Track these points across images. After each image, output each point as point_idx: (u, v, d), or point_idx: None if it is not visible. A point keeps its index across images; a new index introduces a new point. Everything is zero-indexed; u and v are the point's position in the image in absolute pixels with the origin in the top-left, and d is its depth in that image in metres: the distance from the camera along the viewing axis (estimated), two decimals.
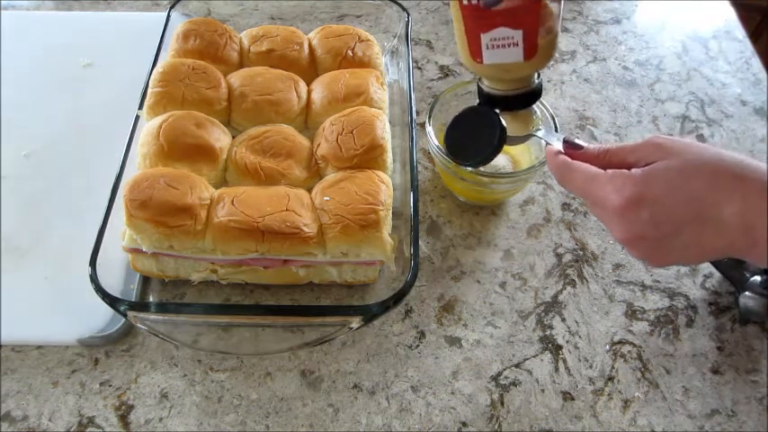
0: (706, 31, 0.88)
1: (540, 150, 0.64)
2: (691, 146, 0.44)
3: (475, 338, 0.57)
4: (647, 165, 0.44)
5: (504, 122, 0.52)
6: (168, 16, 0.72)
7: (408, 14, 0.73)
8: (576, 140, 0.50)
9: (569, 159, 0.48)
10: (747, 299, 0.58)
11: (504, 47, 0.48)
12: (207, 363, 0.55)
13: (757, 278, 0.58)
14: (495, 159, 0.54)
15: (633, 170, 0.44)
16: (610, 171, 0.46)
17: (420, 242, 0.54)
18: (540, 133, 0.53)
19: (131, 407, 0.53)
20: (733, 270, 0.61)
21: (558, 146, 0.50)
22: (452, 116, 0.62)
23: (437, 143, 0.61)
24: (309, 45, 0.70)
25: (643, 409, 0.54)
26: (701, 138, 0.75)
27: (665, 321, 0.59)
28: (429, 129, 0.62)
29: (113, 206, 0.54)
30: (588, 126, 0.76)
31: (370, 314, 0.50)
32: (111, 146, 0.59)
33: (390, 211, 0.56)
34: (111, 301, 0.49)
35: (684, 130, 0.76)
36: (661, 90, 0.80)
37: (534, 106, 0.55)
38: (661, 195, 0.43)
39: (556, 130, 0.60)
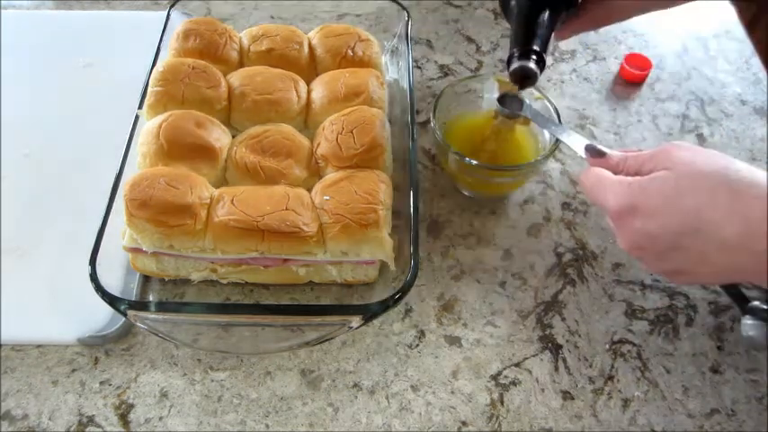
0: (706, 30, 0.88)
1: (545, 142, 0.64)
2: (698, 155, 0.42)
3: (475, 338, 0.57)
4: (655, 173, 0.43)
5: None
6: (168, 16, 0.72)
7: (408, 14, 0.73)
8: (599, 147, 0.50)
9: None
10: (749, 327, 0.53)
11: None
12: (207, 362, 0.55)
13: (756, 303, 0.54)
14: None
15: (635, 178, 0.44)
16: (615, 177, 0.45)
17: (420, 242, 0.54)
18: (563, 136, 0.55)
19: (131, 406, 0.53)
20: (732, 288, 0.56)
21: (581, 152, 0.51)
22: (453, 112, 0.65)
23: (441, 135, 0.62)
24: (309, 44, 0.70)
25: (643, 409, 0.54)
26: (700, 137, 0.75)
27: (664, 320, 0.59)
28: (433, 123, 0.62)
29: (113, 206, 0.54)
30: (588, 125, 0.76)
31: (369, 313, 0.50)
32: (111, 146, 0.59)
33: (390, 211, 0.56)
34: (110, 300, 0.49)
35: (684, 129, 0.76)
36: (661, 89, 0.80)
37: (534, 101, 0.61)
38: (655, 207, 0.42)
39: (560, 124, 0.61)
